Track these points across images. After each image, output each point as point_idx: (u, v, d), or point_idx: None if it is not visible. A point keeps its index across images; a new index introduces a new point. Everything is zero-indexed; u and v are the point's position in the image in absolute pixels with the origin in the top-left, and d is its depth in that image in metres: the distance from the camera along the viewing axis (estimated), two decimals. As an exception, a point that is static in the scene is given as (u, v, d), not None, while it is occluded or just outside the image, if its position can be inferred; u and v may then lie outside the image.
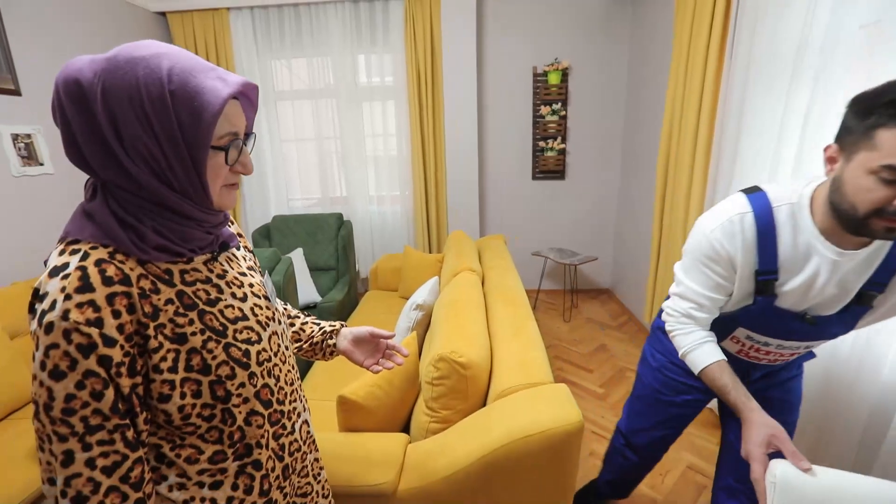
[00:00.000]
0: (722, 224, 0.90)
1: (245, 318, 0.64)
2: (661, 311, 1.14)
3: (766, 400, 1.00)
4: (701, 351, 0.96)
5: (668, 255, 2.46)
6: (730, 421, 1.18)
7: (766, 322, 0.96)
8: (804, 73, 1.51)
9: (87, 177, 0.55)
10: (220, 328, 0.60)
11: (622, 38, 3.34)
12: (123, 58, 0.50)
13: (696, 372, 0.98)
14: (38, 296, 0.50)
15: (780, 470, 0.77)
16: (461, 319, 1.44)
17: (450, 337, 1.29)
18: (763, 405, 0.89)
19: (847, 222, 0.78)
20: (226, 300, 0.63)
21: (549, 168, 3.61)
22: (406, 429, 1.38)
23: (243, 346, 0.62)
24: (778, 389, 1.13)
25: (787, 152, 1.59)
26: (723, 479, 1.18)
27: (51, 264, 0.51)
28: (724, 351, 1.03)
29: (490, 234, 3.30)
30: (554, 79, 3.38)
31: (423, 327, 1.89)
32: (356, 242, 3.60)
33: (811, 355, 1.16)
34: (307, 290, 2.83)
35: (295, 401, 0.74)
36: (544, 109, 3.47)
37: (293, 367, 0.76)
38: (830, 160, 0.80)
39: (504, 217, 3.78)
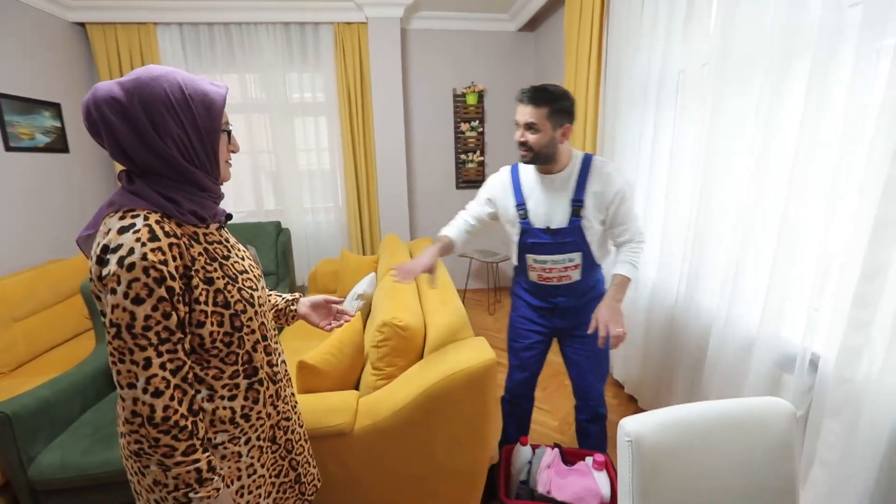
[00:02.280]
0: (493, 175, 1.56)
1: (246, 271, 0.85)
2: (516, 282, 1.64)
3: (573, 362, 1.57)
4: (448, 228, 1.54)
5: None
6: (569, 367, 1.62)
7: (534, 241, 1.44)
8: (650, 100, 2.03)
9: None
10: (234, 276, 0.80)
11: (528, 64, 3.89)
12: (147, 77, 0.68)
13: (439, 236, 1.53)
14: (109, 250, 0.65)
15: (630, 427, 0.83)
16: (399, 297, 1.72)
17: (389, 309, 1.56)
18: (570, 363, 1.58)
19: None
20: (233, 257, 0.83)
21: (470, 178, 4.04)
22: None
23: (248, 291, 0.82)
24: (582, 354, 1.55)
25: (644, 149, 2.12)
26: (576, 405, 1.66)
27: (115, 226, 0.66)
28: (533, 283, 1.51)
29: (420, 238, 3.61)
30: (471, 99, 3.83)
31: (365, 314, 2.14)
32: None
33: (604, 351, 1.52)
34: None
35: (277, 343, 0.94)
36: (464, 126, 3.90)
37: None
38: None
39: (432, 223, 4.12)
